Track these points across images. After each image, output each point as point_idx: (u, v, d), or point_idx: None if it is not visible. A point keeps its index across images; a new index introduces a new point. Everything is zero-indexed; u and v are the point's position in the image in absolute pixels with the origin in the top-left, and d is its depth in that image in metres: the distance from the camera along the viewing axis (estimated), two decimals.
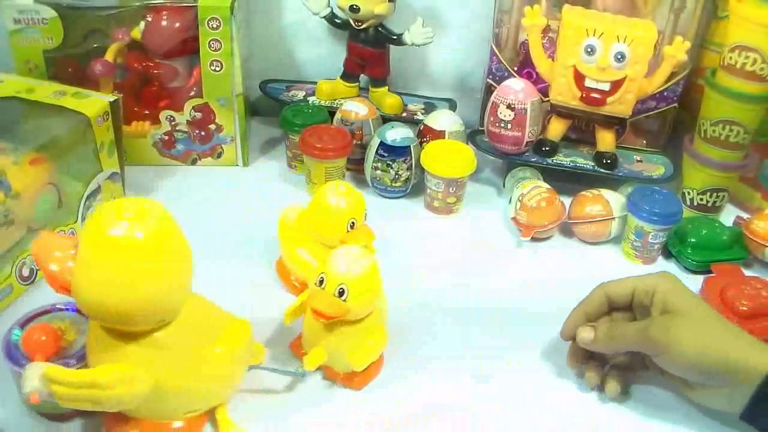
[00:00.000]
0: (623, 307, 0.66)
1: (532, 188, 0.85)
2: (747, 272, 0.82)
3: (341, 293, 0.59)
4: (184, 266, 0.52)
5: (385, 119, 0.97)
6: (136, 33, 0.92)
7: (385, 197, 0.93)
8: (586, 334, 0.64)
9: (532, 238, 0.84)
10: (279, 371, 0.63)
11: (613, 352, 0.66)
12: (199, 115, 0.93)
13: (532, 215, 0.84)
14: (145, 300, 0.48)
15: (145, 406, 0.51)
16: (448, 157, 0.88)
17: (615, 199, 0.85)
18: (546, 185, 0.87)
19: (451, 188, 0.88)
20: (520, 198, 0.85)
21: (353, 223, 0.71)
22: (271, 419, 0.61)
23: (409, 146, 0.89)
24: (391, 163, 0.89)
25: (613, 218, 0.84)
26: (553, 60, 0.89)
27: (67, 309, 0.60)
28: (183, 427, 0.55)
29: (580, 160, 0.93)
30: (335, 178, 0.90)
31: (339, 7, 0.97)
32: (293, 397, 0.63)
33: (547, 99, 0.91)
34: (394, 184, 0.90)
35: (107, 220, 0.47)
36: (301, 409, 0.62)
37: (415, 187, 0.93)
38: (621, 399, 0.65)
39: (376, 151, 0.89)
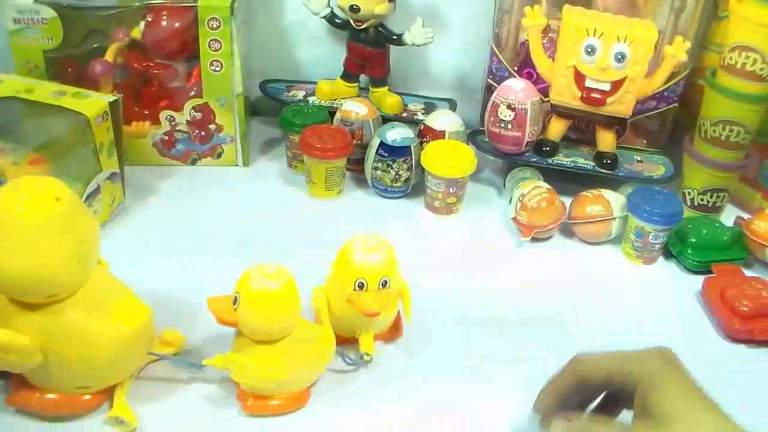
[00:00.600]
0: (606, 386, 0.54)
1: (533, 188, 0.85)
2: (747, 272, 0.82)
3: (234, 300, 0.58)
4: (77, 240, 0.52)
5: (386, 119, 0.97)
6: (136, 33, 0.92)
7: (386, 197, 0.93)
8: (557, 430, 0.53)
9: (532, 238, 0.84)
10: (174, 361, 0.62)
11: None
12: (199, 115, 0.93)
13: (533, 215, 0.84)
14: (29, 273, 0.49)
15: (35, 373, 0.53)
16: (449, 157, 0.87)
17: (615, 200, 0.85)
18: (546, 185, 0.87)
19: (451, 188, 0.88)
20: (521, 198, 0.85)
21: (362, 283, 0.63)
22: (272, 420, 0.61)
23: (410, 146, 0.89)
24: (391, 163, 0.89)
25: (614, 218, 0.84)
26: (553, 60, 0.89)
27: None
28: (89, 400, 0.55)
29: (580, 160, 0.93)
30: (335, 179, 0.90)
31: (339, 7, 0.97)
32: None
33: (547, 99, 0.91)
34: (394, 185, 0.90)
35: None
36: (303, 408, 0.62)
37: (416, 187, 0.92)
38: None
39: (377, 151, 0.89)
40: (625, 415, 0.55)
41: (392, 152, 0.88)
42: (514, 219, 0.86)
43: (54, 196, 0.51)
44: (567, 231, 0.88)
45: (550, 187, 0.87)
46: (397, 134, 0.89)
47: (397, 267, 0.65)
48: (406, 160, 0.89)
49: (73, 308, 0.53)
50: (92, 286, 0.54)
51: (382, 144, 0.89)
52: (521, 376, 0.67)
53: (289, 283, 0.58)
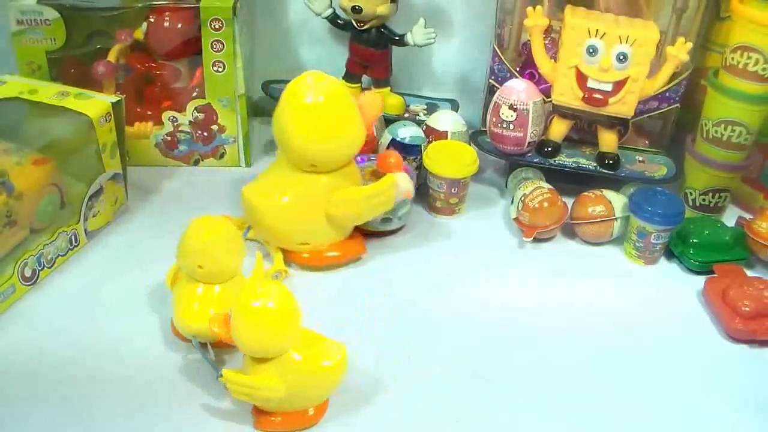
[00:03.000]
0: None
1: (534, 189, 0.85)
2: (749, 272, 0.82)
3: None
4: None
5: (388, 120, 0.97)
6: (139, 34, 0.92)
7: None
8: None
9: (534, 238, 0.84)
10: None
11: None
12: (201, 115, 0.93)
13: (535, 216, 0.84)
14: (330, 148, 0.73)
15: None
16: (451, 157, 0.88)
17: (617, 200, 0.85)
18: (548, 186, 0.87)
19: (453, 189, 0.88)
20: (522, 198, 0.85)
21: None
22: None
23: (420, 145, 0.89)
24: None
25: (615, 219, 0.84)
26: (555, 61, 0.89)
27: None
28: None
29: (582, 160, 0.93)
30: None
31: (341, 8, 0.97)
32: None
33: (549, 100, 0.91)
34: None
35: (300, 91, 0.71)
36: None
37: (419, 187, 0.92)
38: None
39: (387, 148, 0.89)
40: None
41: (403, 150, 0.88)
42: (516, 219, 0.86)
43: (335, 85, 0.74)
44: (569, 231, 0.88)
45: (551, 187, 0.87)
46: (408, 132, 0.89)
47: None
48: (416, 158, 0.89)
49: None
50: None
51: (393, 141, 0.89)
52: (523, 376, 0.68)
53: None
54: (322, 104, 0.72)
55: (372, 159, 0.85)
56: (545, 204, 0.84)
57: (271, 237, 0.79)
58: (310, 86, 0.72)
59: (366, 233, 0.82)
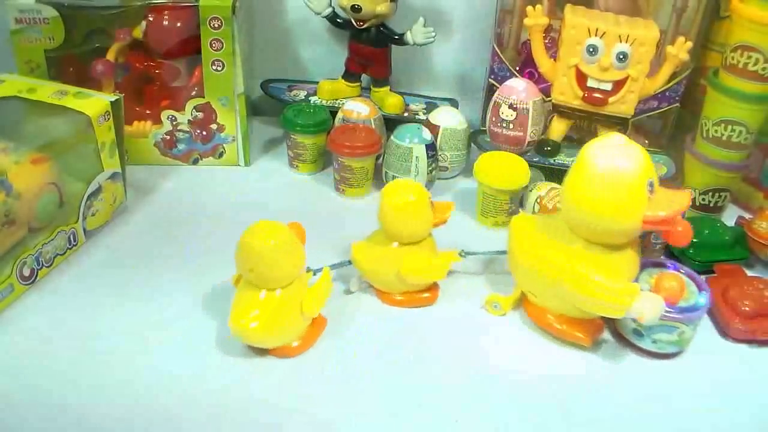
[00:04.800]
0: None
1: (549, 190, 0.84)
2: (749, 272, 0.82)
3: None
4: None
5: (387, 119, 0.97)
6: (138, 32, 0.92)
7: None
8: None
9: None
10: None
11: None
12: (200, 114, 0.93)
13: None
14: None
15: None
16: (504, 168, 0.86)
17: None
18: (560, 186, 0.86)
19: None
20: (538, 200, 0.84)
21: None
22: None
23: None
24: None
25: None
26: (555, 60, 0.89)
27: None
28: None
29: None
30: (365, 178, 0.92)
31: (341, 7, 0.96)
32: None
33: (548, 99, 0.91)
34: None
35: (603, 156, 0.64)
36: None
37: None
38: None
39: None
40: None
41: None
42: None
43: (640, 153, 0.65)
44: None
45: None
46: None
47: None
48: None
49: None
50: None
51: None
52: (525, 376, 0.67)
53: (420, 191, 0.71)
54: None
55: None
56: (559, 205, 0.83)
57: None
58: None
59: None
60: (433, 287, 0.76)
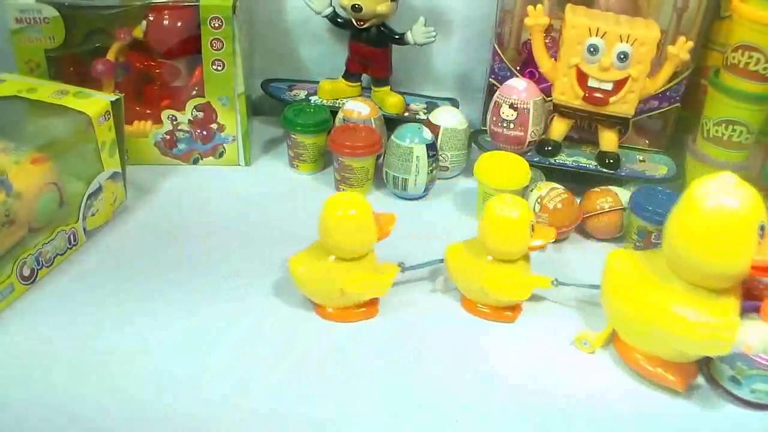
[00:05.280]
0: None
1: (550, 190, 0.84)
2: None
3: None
4: None
5: (388, 119, 0.97)
6: (138, 32, 0.92)
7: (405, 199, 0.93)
8: None
9: None
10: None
11: None
12: (200, 114, 0.93)
13: (554, 216, 0.83)
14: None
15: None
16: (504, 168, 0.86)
17: (623, 193, 0.85)
18: (561, 186, 0.86)
19: None
20: (539, 200, 0.84)
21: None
22: None
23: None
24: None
25: (625, 208, 0.84)
26: (555, 60, 0.89)
27: None
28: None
29: (582, 160, 0.93)
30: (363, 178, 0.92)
31: (341, 7, 0.96)
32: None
33: (549, 99, 0.91)
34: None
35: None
36: None
37: None
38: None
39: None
40: None
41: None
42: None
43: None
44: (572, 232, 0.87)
45: (564, 188, 0.86)
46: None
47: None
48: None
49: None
50: None
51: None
52: (525, 376, 0.67)
53: (524, 210, 0.70)
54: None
55: None
56: (559, 205, 0.83)
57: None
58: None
59: None
60: (516, 307, 0.74)
